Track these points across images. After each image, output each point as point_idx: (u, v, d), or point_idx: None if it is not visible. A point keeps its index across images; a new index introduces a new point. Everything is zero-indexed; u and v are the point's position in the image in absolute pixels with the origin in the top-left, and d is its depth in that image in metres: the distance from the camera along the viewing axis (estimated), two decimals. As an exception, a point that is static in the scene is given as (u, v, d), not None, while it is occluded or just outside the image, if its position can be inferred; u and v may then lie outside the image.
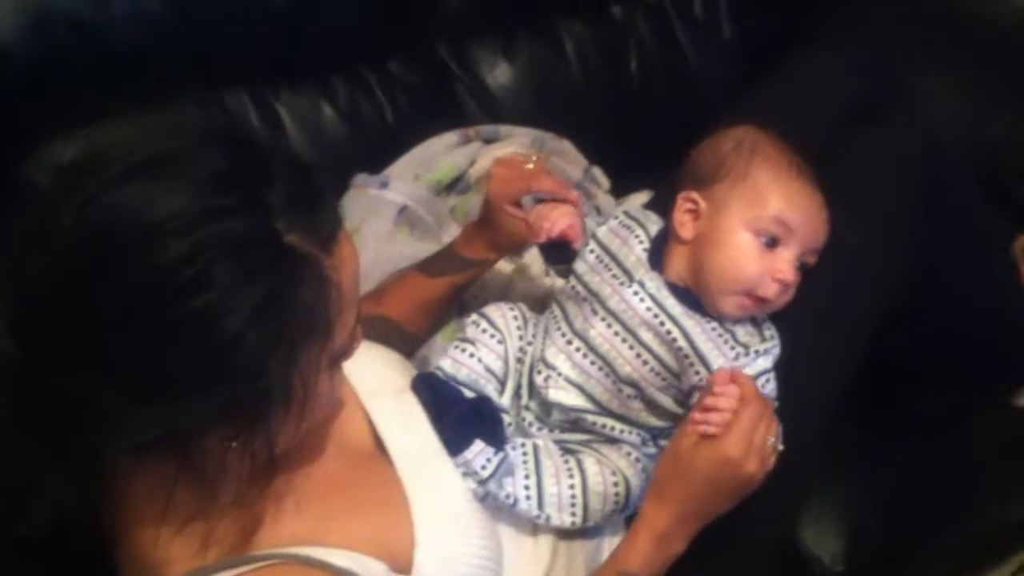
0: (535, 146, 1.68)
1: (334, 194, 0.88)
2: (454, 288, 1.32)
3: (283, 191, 0.80)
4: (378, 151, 1.65)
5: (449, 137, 1.67)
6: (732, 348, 1.12)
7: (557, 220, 1.15)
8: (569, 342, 1.17)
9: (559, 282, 1.24)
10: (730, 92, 1.86)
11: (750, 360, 1.12)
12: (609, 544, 1.16)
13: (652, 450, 1.18)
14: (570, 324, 1.18)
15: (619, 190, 1.71)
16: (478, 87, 1.78)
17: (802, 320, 1.16)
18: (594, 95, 1.84)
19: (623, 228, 1.22)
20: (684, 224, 1.16)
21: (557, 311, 1.21)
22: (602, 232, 1.22)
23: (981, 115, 1.68)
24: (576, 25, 1.85)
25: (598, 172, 1.72)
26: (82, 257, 0.76)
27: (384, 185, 1.59)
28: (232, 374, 0.78)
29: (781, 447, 1.06)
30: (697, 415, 1.04)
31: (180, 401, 0.79)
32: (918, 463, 1.43)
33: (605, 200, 1.66)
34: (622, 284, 1.16)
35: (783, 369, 1.14)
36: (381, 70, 1.69)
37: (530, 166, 1.22)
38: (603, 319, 1.15)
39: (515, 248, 1.28)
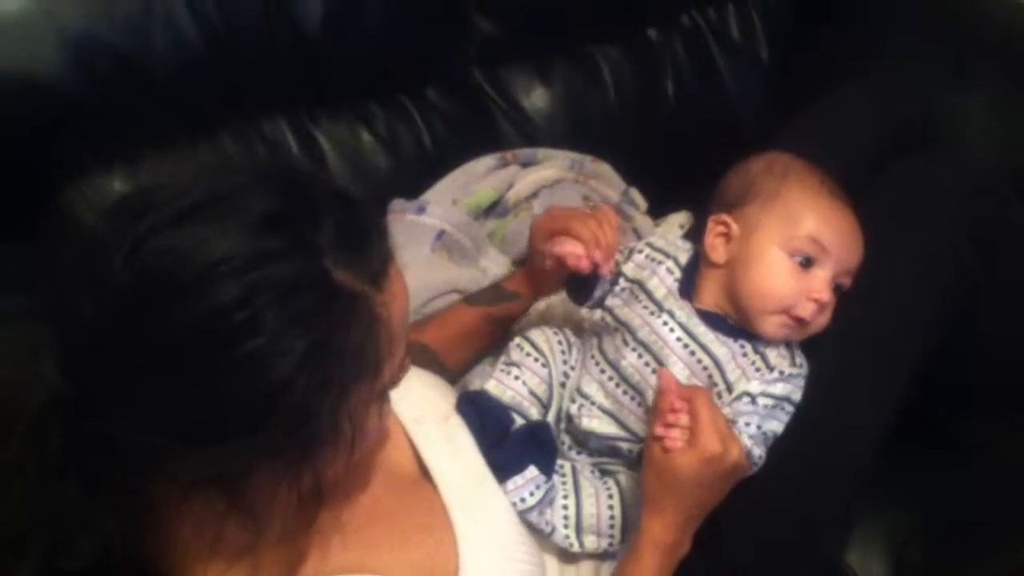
0: (573, 169, 1.68)
1: (381, 228, 0.88)
2: (491, 321, 1.32)
3: (332, 230, 0.80)
4: (416, 176, 1.66)
5: (487, 161, 1.68)
6: (758, 370, 1.12)
7: (559, 245, 1.14)
8: (603, 371, 1.17)
9: (597, 312, 1.23)
10: (766, 116, 1.86)
11: (773, 378, 1.11)
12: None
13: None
14: (603, 354, 1.18)
15: (657, 211, 1.71)
16: (515, 111, 1.78)
17: (851, 348, 1.16)
18: (631, 118, 1.83)
19: (650, 261, 1.21)
20: (716, 247, 1.15)
21: (592, 340, 1.21)
22: (629, 268, 1.21)
23: (1018, 130, 1.65)
24: (612, 49, 1.85)
25: (636, 194, 1.72)
26: (132, 300, 0.76)
27: (421, 210, 1.59)
28: (280, 417, 0.78)
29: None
30: (659, 430, 1.03)
31: (227, 443, 0.79)
32: (964, 487, 1.40)
33: (643, 221, 1.66)
34: (652, 314, 1.15)
35: (831, 394, 1.13)
36: (418, 96, 1.70)
37: (591, 207, 1.22)
38: (634, 349, 1.15)
39: (547, 286, 1.28)
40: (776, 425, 1.11)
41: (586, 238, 1.13)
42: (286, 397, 0.77)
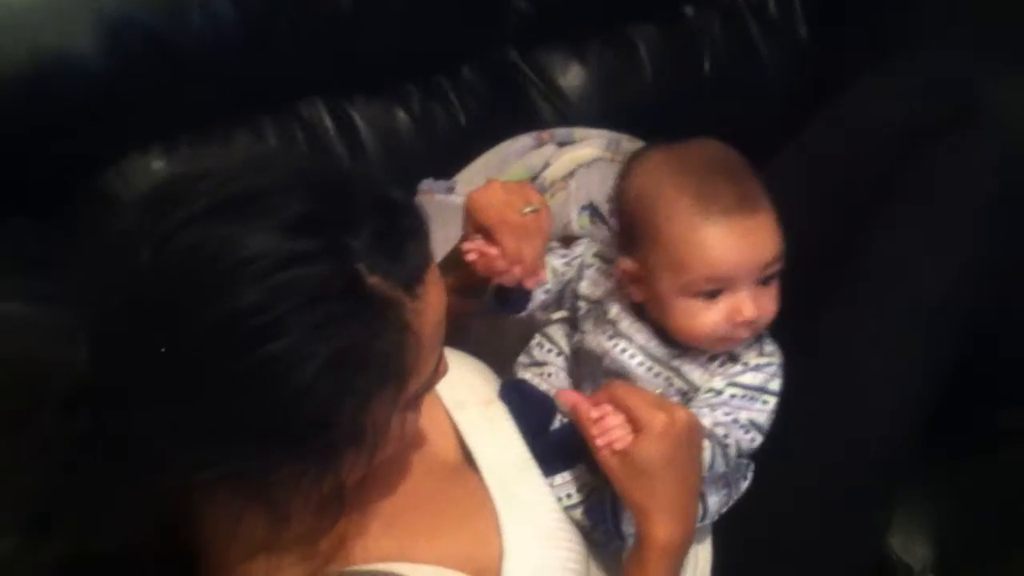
0: (610, 148, 1.66)
1: (422, 234, 0.86)
2: (452, 291, 1.27)
3: (368, 233, 0.78)
4: (452, 156, 1.65)
5: (523, 140, 1.67)
6: (722, 365, 1.08)
7: (479, 258, 1.09)
8: (592, 384, 1.14)
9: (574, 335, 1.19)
10: (804, 93, 1.84)
11: (737, 371, 1.08)
12: (693, 552, 1.13)
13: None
14: (586, 378, 1.15)
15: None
16: (551, 91, 1.77)
17: (887, 334, 1.15)
18: (667, 96, 1.82)
19: (602, 276, 1.16)
20: (631, 289, 1.10)
21: (575, 367, 1.18)
22: (584, 287, 1.17)
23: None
24: (648, 27, 1.83)
25: (673, 174, 1.70)
26: (157, 295, 0.75)
27: (450, 190, 1.59)
28: (300, 422, 0.77)
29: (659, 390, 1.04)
30: (600, 441, 0.96)
31: (247, 443, 0.78)
32: (1007, 472, 1.40)
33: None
34: (610, 339, 1.11)
35: (871, 381, 1.12)
36: (454, 76, 1.70)
37: (526, 211, 1.11)
38: (605, 375, 1.12)
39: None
40: (756, 415, 1.06)
41: (508, 251, 1.09)
42: (305, 403, 0.76)
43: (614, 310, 1.12)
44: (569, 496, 1.06)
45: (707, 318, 1.04)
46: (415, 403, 0.89)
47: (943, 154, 1.20)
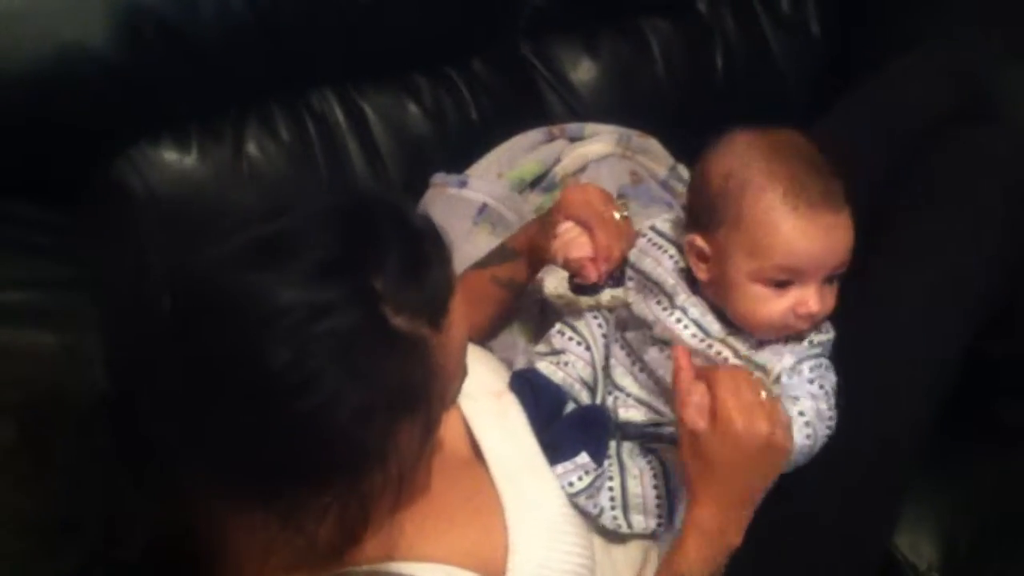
0: (621, 144, 1.66)
1: (445, 258, 0.85)
2: (497, 283, 1.28)
3: (393, 269, 0.78)
4: (463, 149, 1.66)
5: (534, 135, 1.67)
6: (785, 342, 1.09)
7: (572, 246, 1.13)
8: (633, 362, 1.15)
9: (609, 299, 1.21)
10: (817, 89, 1.84)
11: (804, 348, 1.09)
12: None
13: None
14: (629, 344, 1.16)
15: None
16: (562, 85, 1.77)
17: (897, 325, 1.15)
18: (679, 92, 1.82)
19: (654, 247, 1.17)
20: (698, 267, 1.10)
21: (618, 333, 1.19)
22: (633, 254, 1.18)
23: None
24: (661, 21, 1.83)
25: (683, 169, 1.69)
26: (181, 341, 0.75)
27: (463, 184, 1.59)
28: (329, 463, 0.78)
29: (776, 392, 1.04)
30: (680, 412, 1.01)
31: (273, 482, 0.78)
32: (1014, 471, 1.39)
33: (691, 198, 1.64)
34: (665, 310, 1.12)
35: (878, 375, 1.12)
36: (465, 68, 1.69)
37: (617, 216, 1.16)
38: (654, 344, 1.12)
39: (542, 261, 1.23)
40: (832, 377, 1.09)
41: (600, 246, 1.12)
42: (335, 447, 0.76)
43: (669, 282, 1.13)
44: (571, 485, 1.06)
45: (772, 307, 1.05)
46: (439, 422, 0.89)
47: (967, 143, 1.21)
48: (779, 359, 1.07)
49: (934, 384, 1.16)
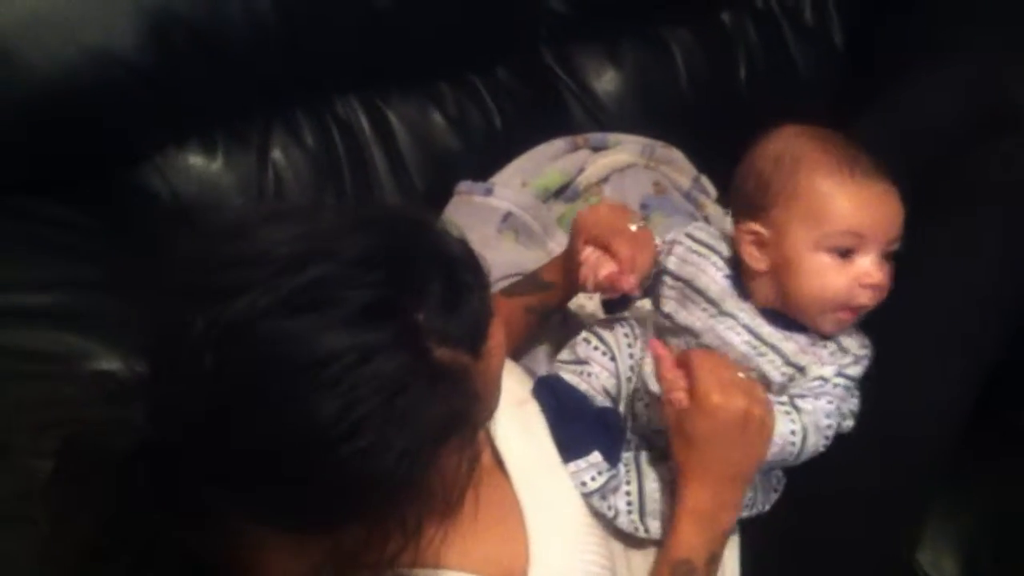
0: (644, 154, 1.66)
1: (483, 283, 0.84)
2: (530, 311, 1.30)
3: (433, 300, 0.77)
4: (486, 157, 1.66)
5: (558, 144, 1.67)
6: (832, 354, 1.10)
7: (596, 267, 1.14)
8: None
9: (650, 308, 1.22)
10: (840, 100, 1.84)
11: (848, 361, 1.10)
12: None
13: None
14: (680, 344, 1.15)
15: (728, 199, 1.69)
16: (585, 94, 1.77)
17: (926, 325, 1.15)
18: (702, 102, 1.82)
19: (693, 255, 1.17)
20: (753, 255, 1.11)
21: (662, 333, 1.19)
22: (672, 263, 1.18)
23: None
24: (684, 31, 1.83)
25: (707, 181, 1.70)
26: (221, 391, 0.73)
27: (488, 192, 1.59)
28: (374, 500, 0.77)
29: (753, 374, 1.08)
30: (665, 395, 1.05)
31: (316, 518, 0.78)
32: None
33: (714, 209, 1.64)
34: (712, 317, 1.12)
35: (905, 372, 1.12)
36: (489, 76, 1.70)
37: (633, 227, 1.17)
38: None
39: (577, 285, 1.23)
40: (853, 404, 1.10)
41: (623, 259, 1.13)
42: (382, 486, 0.75)
43: (714, 288, 1.14)
44: (584, 484, 1.07)
45: (836, 278, 1.06)
46: (475, 440, 0.87)
47: (994, 155, 1.20)
48: (820, 367, 1.09)
49: (962, 400, 1.16)
